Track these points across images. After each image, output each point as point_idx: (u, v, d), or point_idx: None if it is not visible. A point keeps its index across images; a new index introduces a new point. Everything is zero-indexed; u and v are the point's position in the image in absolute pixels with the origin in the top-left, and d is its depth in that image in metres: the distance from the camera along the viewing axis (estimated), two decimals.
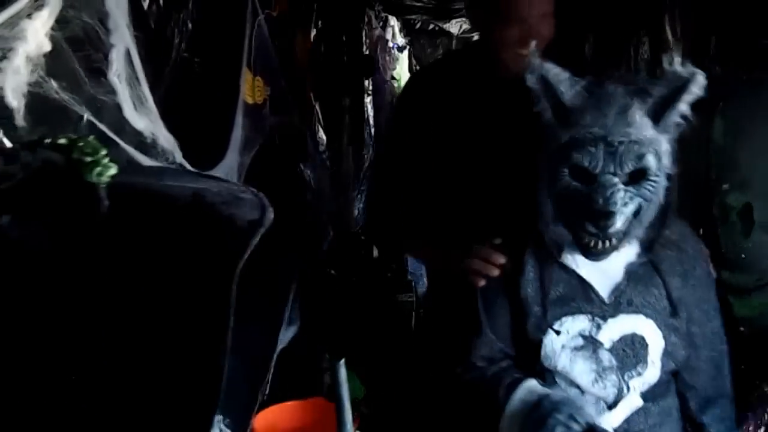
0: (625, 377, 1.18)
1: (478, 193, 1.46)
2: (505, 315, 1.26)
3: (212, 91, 1.69)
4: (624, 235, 1.12)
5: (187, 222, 1.20)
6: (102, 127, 0.94)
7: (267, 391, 2.08)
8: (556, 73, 1.11)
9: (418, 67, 4.94)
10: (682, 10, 2.05)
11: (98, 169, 0.95)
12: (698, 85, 1.06)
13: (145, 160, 1.15)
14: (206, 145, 1.55)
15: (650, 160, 1.07)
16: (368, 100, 3.81)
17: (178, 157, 1.27)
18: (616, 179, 1.07)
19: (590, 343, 1.19)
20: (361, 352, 2.60)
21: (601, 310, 1.19)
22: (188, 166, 1.34)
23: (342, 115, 3.32)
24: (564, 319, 1.19)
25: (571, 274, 1.21)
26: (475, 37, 4.86)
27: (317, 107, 2.97)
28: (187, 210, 1.17)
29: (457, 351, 1.42)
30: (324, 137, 3.06)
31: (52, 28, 0.81)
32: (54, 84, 0.85)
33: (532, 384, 1.19)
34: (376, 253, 3.60)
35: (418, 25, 4.72)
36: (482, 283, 1.27)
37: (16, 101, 0.82)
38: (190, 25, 1.47)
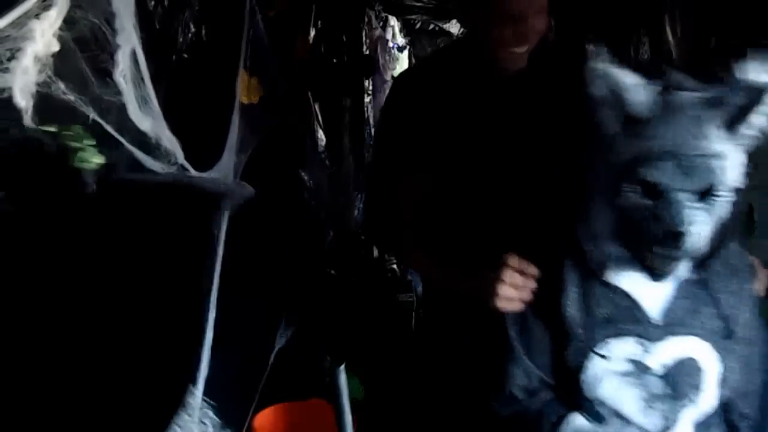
0: (678, 406, 1.08)
1: (484, 202, 1.39)
2: (544, 339, 1.14)
3: (209, 92, 1.69)
4: (690, 254, 1.02)
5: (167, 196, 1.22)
6: (107, 127, 0.94)
7: (266, 391, 2.08)
8: (627, 79, 1.00)
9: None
10: (682, 10, 2.06)
11: (83, 155, 0.97)
12: None
13: (148, 161, 1.16)
14: (204, 146, 1.55)
15: (722, 176, 0.98)
16: (368, 100, 3.81)
17: (180, 157, 1.27)
18: (686, 196, 0.97)
19: (638, 368, 1.08)
20: (360, 352, 2.61)
21: (650, 331, 1.08)
22: (189, 167, 1.34)
23: (342, 115, 3.32)
24: (609, 341, 1.08)
25: (616, 293, 1.09)
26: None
27: (316, 107, 2.97)
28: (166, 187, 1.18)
29: (459, 361, 1.39)
30: (323, 137, 3.06)
31: (60, 29, 0.82)
32: (61, 84, 0.85)
33: (579, 422, 1.11)
34: (376, 253, 3.61)
35: (418, 25, 4.71)
36: (516, 309, 1.15)
37: (24, 101, 0.83)
38: (193, 27, 1.47)
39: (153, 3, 1.24)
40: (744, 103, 0.98)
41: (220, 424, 1.55)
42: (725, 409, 1.13)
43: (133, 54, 0.98)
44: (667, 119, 0.98)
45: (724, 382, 1.08)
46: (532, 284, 1.12)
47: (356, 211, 3.40)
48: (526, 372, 1.15)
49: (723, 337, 1.08)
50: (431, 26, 4.73)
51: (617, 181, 1.01)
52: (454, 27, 4.69)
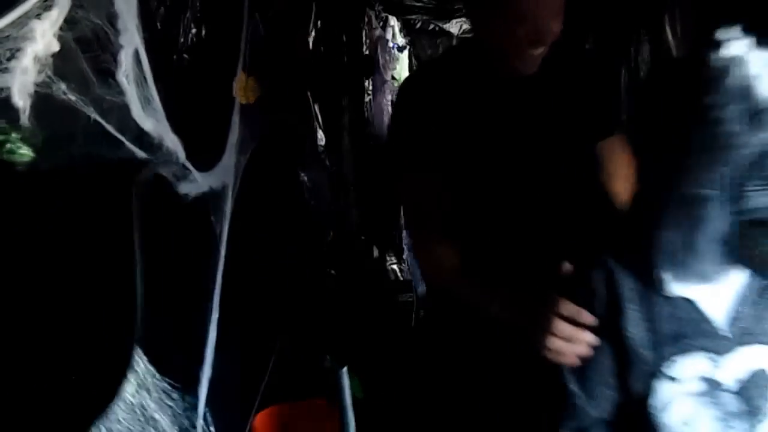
0: (755, 422, 0.99)
1: (508, 213, 1.31)
2: (605, 373, 1.02)
3: (210, 92, 1.69)
4: None
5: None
6: (109, 127, 0.94)
7: (267, 391, 2.08)
8: (757, 67, 0.88)
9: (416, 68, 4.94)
10: (682, 10, 2.06)
11: (8, 146, 0.98)
12: None
13: (148, 160, 1.15)
14: (204, 146, 1.55)
15: None
16: (368, 100, 3.80)
17: (182, 157, 1.27)
18: None
19: (711, 385, 0.99)
20: (360, 352, 2.61)
21: (719, 344, 0.99)
22: (191, 167, 1.34)
23: (342, 115, 3.31)
24: (675, 360, 0.98)
25: (678, 305, 1.00)
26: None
27: (316, 107, 2.96)
28: None
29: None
30: (323, 137, 3.06)
31: (61, 29, 0.81)
32: (62, 85, 0.84)
33: None
34: (376, 253, 3.60)
35: (418, 25, 4.70)
36: (569, 363, 1.02)
37: (22, 101, 0.82)
38: (194, 27, 1.47)
39: (155, 3, 1.23)
40: None
41: (223, 425, 1.55)
42: None
43: (136, 54, 0.98)
44: None
45: None
46: (589, 337, 1.00)
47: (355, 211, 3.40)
48: (583, 415, 1.03)
49: None
50: (431, 26, 4.71)
51: (742, 181, 0.90)
52: (454, 27, 4.68)
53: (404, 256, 4.32)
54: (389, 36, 4.22)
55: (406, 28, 4.74)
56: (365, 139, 3.71)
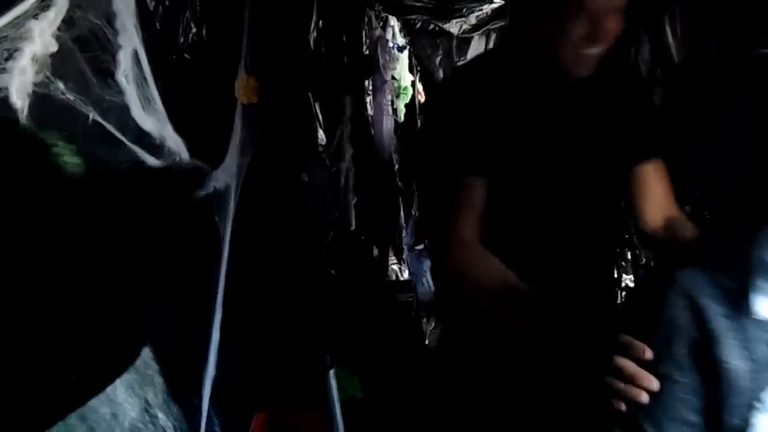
0: None
1: (550, 223, 1.24)
2: (685, 410, 0.91)
3: (212, 92, 1.69)
4: None
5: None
6: (109, 127, 0.94)
7: (267, 392, 2.08)
8: None
9: (419, 68, 4.94)
10: (682, 10, 2.05)
11: (56, 150, 0.99)
12: None
13: (151, 160, 1.15)
14: (207, 147, 1.55)
15: None
16: (368, 99, 3.80)
17: (185, 157, 1.27)
18: None
19: None
20: (360, 352, 2.61)
21: None
22: None
23: (342, 115, 3.31)
24: None
25: None
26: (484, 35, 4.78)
27: (317, 107, 2.96)
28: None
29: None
30: (323, 137, 3.06)
31: (59, 29, 0.81)
32: (60, 84, 0.84)
33: None
34: (376, 252, 3.61)
35: (418, 25, 4.70)
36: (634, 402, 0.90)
37: (20, 101, 0.82)
38: (194, 27, 1.46)
39: (153, 3, 1.23)
40: None
41: (227, 425, 1.55)
42: None
43: (135, 54, 0.98)
44: None
45: None
46: (652, 384, 0.88)
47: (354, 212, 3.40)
48: None
49: None
50: (431, 26, 4.71)
51: None
52: (454, 27, 4.68)
53: (404, 256, 4.32)
54: (389, 36, 4.22)
55: (406, 28, 4.74)
56: (365, 139, 3.71)
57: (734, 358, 0.88)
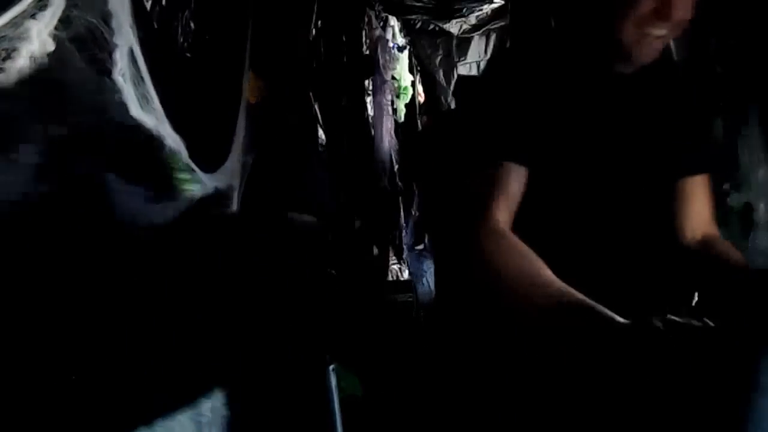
0: None
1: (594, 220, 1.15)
2: None
3: (215, 93, 1.69)
4: None
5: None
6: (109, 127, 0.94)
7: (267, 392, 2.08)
8: None
9: (419, 68, 4.94)
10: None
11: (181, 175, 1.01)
12: None
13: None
14: (209, 147, 1.55)
15: None
16: (368, 100, 3.81)
17: (185, 157, 1.27)
18: None
19: None
20: (360, 351, 2.61)
21: None
22: (194, 167, 1.34)
23: (342, 115, 3.32)
24: None
25: None
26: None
27: (317, 107, 2.97)
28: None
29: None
30: (323, 137, 3.06)
31: (56, 28, 0.82)
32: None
33: None
34: (376, 252, 3.61)
35: (418, 25, 4.71)
36: None
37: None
38: (193, 25, 1.46)
39: (150, 2, 1.23)
40: None
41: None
42: None
43: (131, 53, 0.98)
44: None
45: None
46: None
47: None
48: None
49: None
50: (431, 26, 4.72)
51: None
52: (454, 27, 4.69)
53: (404, 256, 4.33)
54: (389, 36, 4.23)
55: (406, 28, 4.75)
56: (365, 138, 3.71)
57: None
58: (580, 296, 0.90)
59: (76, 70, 0.91)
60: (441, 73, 4.92)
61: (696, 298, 1.31)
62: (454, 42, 4.81)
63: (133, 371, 1.39)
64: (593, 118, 1.13)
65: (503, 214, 1.08)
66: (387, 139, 3.85)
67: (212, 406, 1.52)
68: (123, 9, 0.91)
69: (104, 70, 0.94)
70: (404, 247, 4.29)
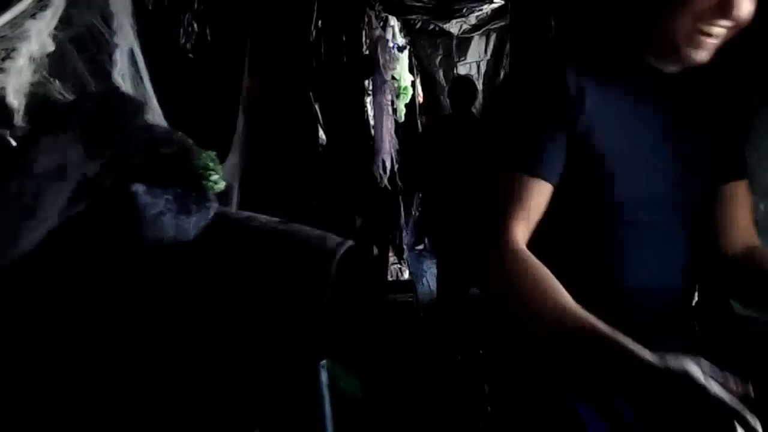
0: None
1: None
2: None
3: (215, 92, 1.69)
4: None
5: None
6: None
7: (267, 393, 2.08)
8: None
9: (419, 68, 4.95)
10: None
11: (214, 178, 1.03)
12: None
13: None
14: (209, 147, 1.55)
15: None
16: (368, 100, 3.81)
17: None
18: None
19: None
20: (360, 352, 2.61)
21: None
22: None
23: (342, 115, 3.32)
24: None
25: None
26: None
27: (317, 107, 2.97)
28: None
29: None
30: (323, 137, 3.06)
31: (56, 28, 0.81)
32: (57, 84, 0.84)
33: None
34: (376, 252, 3.61)
35: (418, 25, 4.72)
36: None
37: (17, 101, 0.82)
38: (195, 26, 1.46)
39: (151, 3, 1.23)
40: None
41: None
42: None
43: (131, 53, 0.98)
44: None
45: None
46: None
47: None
48: None
49: None
50: (431, 26, 4.73)
51: None
52: (454, 27, 4.69)
53: (404, 256, 4.33)
54: (389, 36, 4.23)
55: (406, 28, 4.76)
56: (365, 139, 3.71)
57: None
58: (608, 329, 0.84)
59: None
60: (441, 73, 4.92)
61: (696, 298, 1.29)
62: (454, 42, 4.82)
63: (133, 371, 1.39)
64: (633, 122, 1.03)
65: (522, 233, 1.01)
66: (387, 139, 3.84)
67: (200, 402, 1.52)
68: (123, 9, 0.90)
69: (104, 70, 0.93)
70: (404, 247, 4.29)
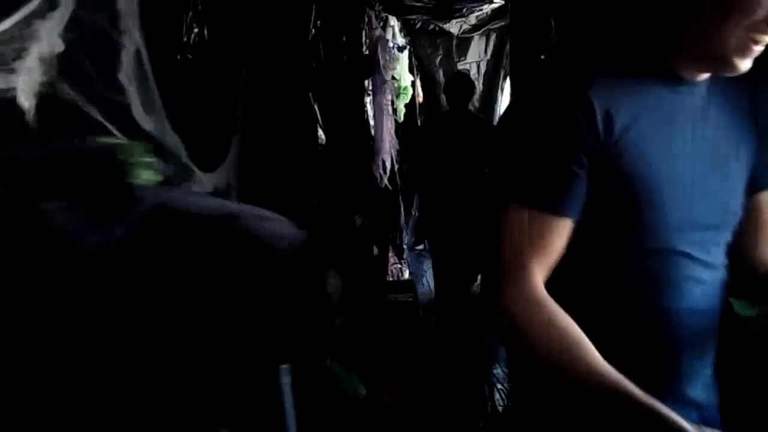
0: None
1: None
2: None
3: (215, 92, 1.69)
4: None
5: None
6: (111, 127, 0.94)
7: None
8: None
9: (419, 68, 4.95)
10: None
11: (141, 171, 1.00)
12: None
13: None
14: (208, 146, 1.55)
15: None
16: (368, 100, 3.81)
17: (183, 156, 1.27)
18: None
19: None
20: (360, 352, 2.61)
21: None
22: (193, 166, 1.35)
23: (342, 115, 3.32)
24: None
25: None
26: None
27: (317, 107, 2.97)
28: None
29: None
30: (323, 137, 3.06)
31: (65, 29, 0.82)
32: (66, 84, 0.85)
33: None
34: (376, 252, 3.61)
35: (418, 25, 4.73)
36: None
37: (27, 101, 0.83)
38: (197, 27, 1.47)
39: (158, 3, 1.24)
40: None
41: None
42: None
43: (137, 54, 0.98)
44: None
45: None
46: None
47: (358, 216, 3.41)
48: None
49: None
50: (431, 26, 4.73)
51: None
52: (454, 27, 4.70)
53: (404, 256, 4.34)
54: (389, 36, 4.23)
55: (406, 28, 4.76)
56: (365, 139, 3.71)
57: None
58: (640, 393, 0.79)
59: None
60: (441, 73, 4.93)
61: None
62: (454, 42, 4.83)
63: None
64: (667, 138, 0.95)
65: (541, 275, 0.93)
66: (387, 139, 3.85)
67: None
68: (131, 10, 0.91)
69: (111, 70, 0.94)
70: (404, 247, 4.30)
